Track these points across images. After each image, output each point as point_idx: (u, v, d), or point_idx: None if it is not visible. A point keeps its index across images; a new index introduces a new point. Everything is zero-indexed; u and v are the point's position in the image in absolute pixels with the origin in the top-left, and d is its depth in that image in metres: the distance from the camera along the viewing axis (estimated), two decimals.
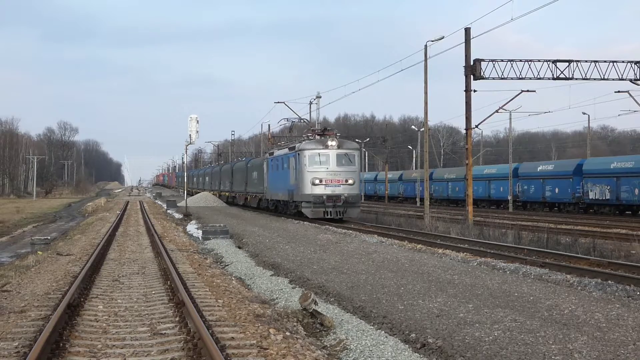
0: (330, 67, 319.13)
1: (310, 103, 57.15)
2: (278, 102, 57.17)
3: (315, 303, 11.01)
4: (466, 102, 30.43)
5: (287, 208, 38.46)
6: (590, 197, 46.48)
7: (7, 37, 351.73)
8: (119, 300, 11.94)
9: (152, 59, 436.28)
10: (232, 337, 8.74)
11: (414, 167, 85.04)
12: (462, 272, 15.29)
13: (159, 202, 77.09)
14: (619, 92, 43.47)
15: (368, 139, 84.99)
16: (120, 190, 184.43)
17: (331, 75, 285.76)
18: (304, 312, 10.85)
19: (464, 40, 30.26)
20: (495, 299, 11.98)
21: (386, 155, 79.38)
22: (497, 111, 37.23)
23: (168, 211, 55.09)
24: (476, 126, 33.60)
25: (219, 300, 11.61)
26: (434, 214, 37.97)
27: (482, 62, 30.72)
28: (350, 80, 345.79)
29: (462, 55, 30.34)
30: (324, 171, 33.90)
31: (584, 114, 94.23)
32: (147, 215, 41.51)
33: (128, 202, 71.60)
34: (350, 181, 33.93)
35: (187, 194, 69.02)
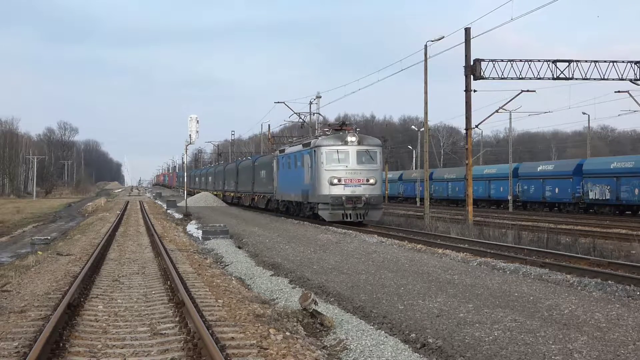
0: (331, 67, 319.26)
1: (311, 103, 57.14)
2: (278, 102, 57.14)
3: (315, 303, 11.01)
4: (466, 102, 30.43)
5: (301, 210, 35.75)
6: (590, 197, 46.49)
7: (7, 37, 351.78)
8: (119, 300, 11.94)
9: (152, 59, 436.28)
10: (232, 337, 8.74)
11: (413, 167, 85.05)
12: (462, 272, 15.29)
13: (159, 202, 77.09)
14: (619, 92, 43.46)
15: None
16: (120, 190, 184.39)
17: (331, 75, 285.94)
18: (304, 312, 10.85)
19: (464, 40, 30.27)
20: (495, 299, 11.98)
21: (386, 155, 79.34)
22: (497, 111, 37.24)
23: (168, 211, 55.09)
24: (476, 126, 33.62)
25: (219, 300, 11.61)
26: (434, 214, 37.98)
27: (482, 62, 30.72)
28: (350, 80, 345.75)
29: (462, 55, 30.34)
30: (343, 170, 31.08)
31: (584, 114, 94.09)
32: (147, 215, 41.51)
33: (128, 202, 71.60)
34: (371, 181, 31.01)
35: (188, 194, 69.02)
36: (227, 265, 19.15)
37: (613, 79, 31.88)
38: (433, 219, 33.86)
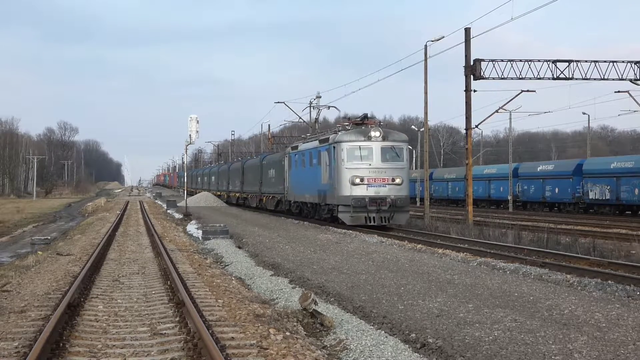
0: (331, 67, 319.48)
1: (310, 103, 57.10)
2: (278, 102, 57.14)
3: (315, 303, 11.01)
4: (466, 102, 30.44)
5: (317, 212, 32.90)
6: (590, 197, 46.50)
7: (7, 37, 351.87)
8: (119, 300, 11.94)
9: (152, 59, 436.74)
10: (232, 337, 8.74)
11: (413, 167, 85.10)
12: (462, 272, 15.29)
13: (159, 202, 77.10)
14: (619, 92, 43.50)
15: None
16: (120, 190, 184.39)
17: (331, 75, 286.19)
18: (304, 312, 10.85)
19: (464, 40, 30.27)
20: (495, 299, 11.98)
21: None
22: (497, 111, 37.27)
23: (168, 211, 55.08)
24: (476, 126, 33.64)
25: (219, 300, 11.61)
26: (433, 214, 37.99)
27: (482, 62, 30.72)
28: (350, 80, 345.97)
29: (462, 55, 30.34)
30: (365, 168, 28.26)
31: (584, 114, 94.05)
32: (147, 215, 41.50)
33: (128, 202, 71.60)
34: (397, 180, 28.23)
35: (190, 194, 68.84)
36: (227, 265, 19.15)
37: (613, 79, 31.90)
38: (433, 219, 33.87)
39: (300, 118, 59.59)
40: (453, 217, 38.18)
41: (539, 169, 53.97)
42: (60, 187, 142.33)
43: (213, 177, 75.72)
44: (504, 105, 37.16)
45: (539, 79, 31.44)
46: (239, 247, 23.69)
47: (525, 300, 11.77)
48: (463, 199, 45.15)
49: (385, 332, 9.92)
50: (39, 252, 22.61)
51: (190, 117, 43.75)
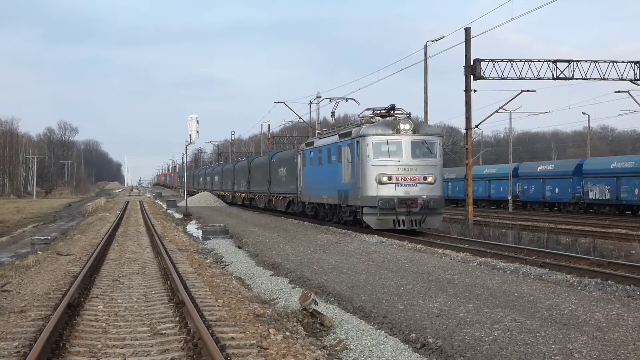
0: (331, 67, 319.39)
1: (310, 103, 57.17)
2: (278, 102, 57.22)
3: (315, 303, 11.01)
4: (466, 102, 30.44)
5: (335, 214, 30.54)
6: (590, 197, 46.51)
7: (7, 37, 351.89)
8: (119, 300, 11.94)
9: (152, 59, 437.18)
10: (232, 337, 8.74)
11: None
12: (462, 272, 15.29)
13: (159, 202, 77.10)
14: (619, 92, 43.53)
15: None
16: (120, 190, 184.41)
17: (331, 75, 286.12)
18: (304, 312, 10.85)
19: (464, 40, 30.27)
20: (495, 298, 11.98)
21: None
22: (497, 111, 37.27)
23: (168, 211, 55.08)
24: (476, 126, 33.63)
25: (219, 300, 11.61)
26: None
27: (482, 62, 30.72)
28: (350, 79, 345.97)
29: (462, 55, 30.34)
30: (394, 165, 25.41)
31: (584, 114, 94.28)
32: (147, 215, 41.50)
33: (128, 202, 71.60)
34: (429, 179, 25.46)
35: (191, 194, 68.61)
36: (227, 265, 19.15)
37: (613, 79, 31.91)
38: None
39: (300, 118, 59.67)
40: (453, 216, 38.16)
41: (539, 169, 53.98)
42: (60, 187, 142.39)
43: (216, 177, 72.92)
44: (504, 105, 37.17)
45: (539, 79, 31.45)
46: (239, 247, 23.69)
47: (525, 300, 11.77)
48: (463, 199, 45.15)
49: (385, 332, 9.92)
50: (39, 252, 22.61)
51: (190, 117, 43.77)
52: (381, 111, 28.06)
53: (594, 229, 29.13)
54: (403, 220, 25.08)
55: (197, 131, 43.74)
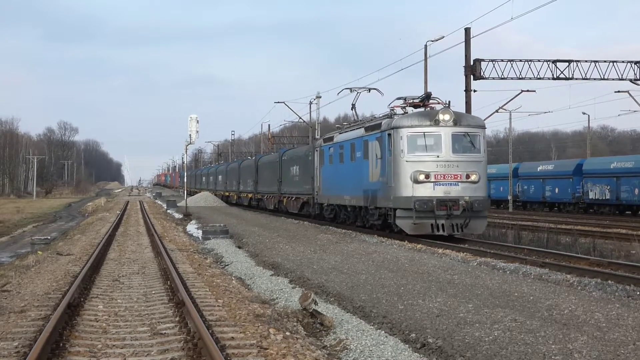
0: (331, 67, 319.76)
1: (310, 103, 57.18)
2: (278, 102, 57.30)
3: (315, 303, 11.01)
4: (466, 102, 30.46)
5: (361, 217, 27.31)
6: (590, 197, 46.52)
7: (7, 37, 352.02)
8: (119, 300, 11.94)
9: (152, 59, 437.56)
10: (232, 337, 8.74)
11: None
12: (462, 272, 15.28)
13: (159, 202, 77.09)
14: (619, 92, 43.58)
15: None
16: (120, 190, 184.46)
17: (331, 75, 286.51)
18: (304, 312, 10.85)
19: (464, 40, 30.29)
20: (495, 298, 11.98)
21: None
22: (497, 111, 37.36)
23: (168, 211, 55.05)
24: None
25: (219, 300, 11.61)
26: None
27: (482, 62, 30.74)
28: (350, 79, 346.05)
29: (462, 55, 30.35)
30: (432, 161, 22.42)
31: (584, 114, 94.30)
32: (147, 215, 41.50)
33: (128, 202, 71.59)
34: (473, 177, 22.44)
35: (192, 194, 68.39)
36: (227, 265, 19.15)
37: (613, 79, 31.96)
38: None
39: (300, 118, 59.71)
40: None
41: (539, 169, 54.01)
42: (60, 187, 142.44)
43: (220, 177, 70.05)
44: (504, 105, 37.25)
45: (539, 79, 31.50)
46: (239, 247, 23.69)
47: (525, 300, 11.77)
48: None
49: (385, 332, 9.92)
50: (39, 252, 22.61)
51: (190, 117, 43.76)
52: (414, 100, 24.99)
53: (594, 229, 29.14)
54: (442, 225, 22.00)
55: (197, 131, 43.73)
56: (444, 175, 22.34)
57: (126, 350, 8.37)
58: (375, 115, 26.43)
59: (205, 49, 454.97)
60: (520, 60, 31.58)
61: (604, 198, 45.09)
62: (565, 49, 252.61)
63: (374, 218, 25.46)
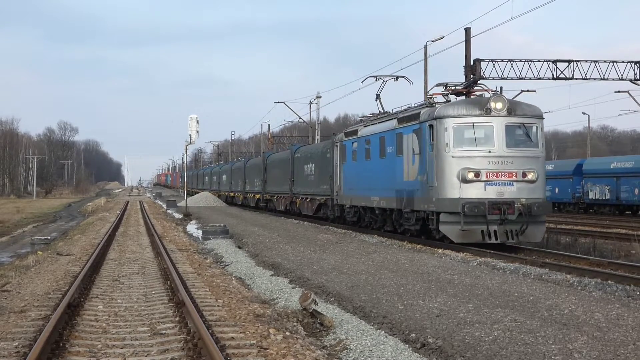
0: (331, 67, 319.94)
1: (311, 103, 57.22)
2: (278, 102, 57.38)
3: (315, 303, 11.01)
4: None
5: (392, 221, 24.28)
6: (590, 197, 46.51)
7: (7, 37, 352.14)
8: (119, 300, 11.94)
9: (152, 59, 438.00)
10: (232, 337, 8.74)
11: None
12: (462, 272, 15.28)
13: (159, 202, 77.09)
14: (619, 92, 43.60)
15: None
16: (120, 190, 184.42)
17: (332, 75, 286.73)
18: (304, 312, 10.85)
19: (464, 40, 30.29)
20: (495, 298, 11.98)
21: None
22: None
23: (168, 211, 55.04)
24: None
25: (219, 300, 11.61)
26: None
27: (482, 62, 30.74)
28: (350, 79, 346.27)
29: (462, 55, 30.36)
30: (483, 156, 19.65)
31: (584, 114, 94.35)
32: (147, 215, 41.50)
33: (128, 202, 71.59)
34: (530, 175, 19.66)
35: (193, 195, 68.20)
36: (227, 265, 19.15)
37: (613, 79, 31.97)
38: None
39: (300, 118, 59.75)
40: None
41: None
42: (60, 187, 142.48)
43: (224, 176, 66.97)
44: None
45: (539, 79, 31.51)
46: (239, 247, 23.69)
47: (525, 300, 11.77)
48: None
49: (385, 332, 9.92)
50: (39, 252, 22.61)
51: (190, 117, 43.77)
52: (456, 86, 22.26)
53: (594, 229, 29.14)
54: (495, 231, 19.34)
55: (197, 131, 43.72)
56: (497, 173, 19.62)
57: (126, 350, 8.37)
58: (409, 105, 23.68)
59: (205, 49, 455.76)
60: (520, 60, 31.59)
61: (604, 198, 45.08)
62: (565, 49, 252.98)
63: (410, 223, 22.47)
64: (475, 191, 19.45)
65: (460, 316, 10.52)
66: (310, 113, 58.08)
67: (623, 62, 32.06)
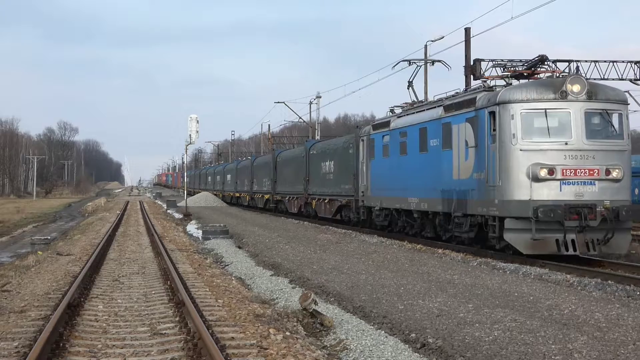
0: (331, 68, 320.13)
1: (311, 103, 57.22)
2: (278, 102, 57.35)
3: (315, 303, 11.01)
4: None
5: (435, 226, 21.30)
6: None
7: (8, 37, 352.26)
8: (119, 300, 11.94)
9: (152, 59, 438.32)
10: (232, 337, 8.74)
11: None
12: (462, 272, 15.29)
13: (159, 202, 77.09)
14: None
15: None
16: (120, 190, 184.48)
17: (332, 76, 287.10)
18: (304, 312, 10.85)
19: (464, 40, 30.28)
20: (495, 298, 11.98)
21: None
22: None
23: (168, 211, 55.03)
24: None
25: (219, 300, 11.61)
26: None
27: (482, 62, 30.72)
28: (350, 79, 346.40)
29: (462, 55, 30.34)
30: (558, 149, 16.50)
31: None
32: (147, 215, 41.50)
33: (128, 202, 71.57)
34: (615, 173, 16.54)
35: (192, 194, 68.07)
36: (227, 265, 19.15)
37: (613, 79, 31.89)
38: None
39: (300, 118, 59.74)
40: None
41: None
42: (60, 187, 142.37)
43: (229, 176, 63.26)
44: None
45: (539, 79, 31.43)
46: (239, 247, 23.69)
47: (525, 300, 11.77)
48: None
49: (385, 332, 9.92)
50: (39, 252, 22.61)
51: (190, 117, 43.75)
52: (516, 67, 19.50)
53: None
54: (573, 241, 16.18)
55: (197, 131, 43.70)
56: (575, 170, 16.42)
57: (126, 350, 8.37)
58: (457, 91, 20.77)
59: (205, 49, 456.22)
60: (520, 60, 31.54)
61: None
62: (565, 49, 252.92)
63: (463, 229, 19.25)
64: (549, 192, 16.39)
65: (460, 316, 10.53)
66: (310, 113, 58.11)
67: (623, 62, 32.03)
